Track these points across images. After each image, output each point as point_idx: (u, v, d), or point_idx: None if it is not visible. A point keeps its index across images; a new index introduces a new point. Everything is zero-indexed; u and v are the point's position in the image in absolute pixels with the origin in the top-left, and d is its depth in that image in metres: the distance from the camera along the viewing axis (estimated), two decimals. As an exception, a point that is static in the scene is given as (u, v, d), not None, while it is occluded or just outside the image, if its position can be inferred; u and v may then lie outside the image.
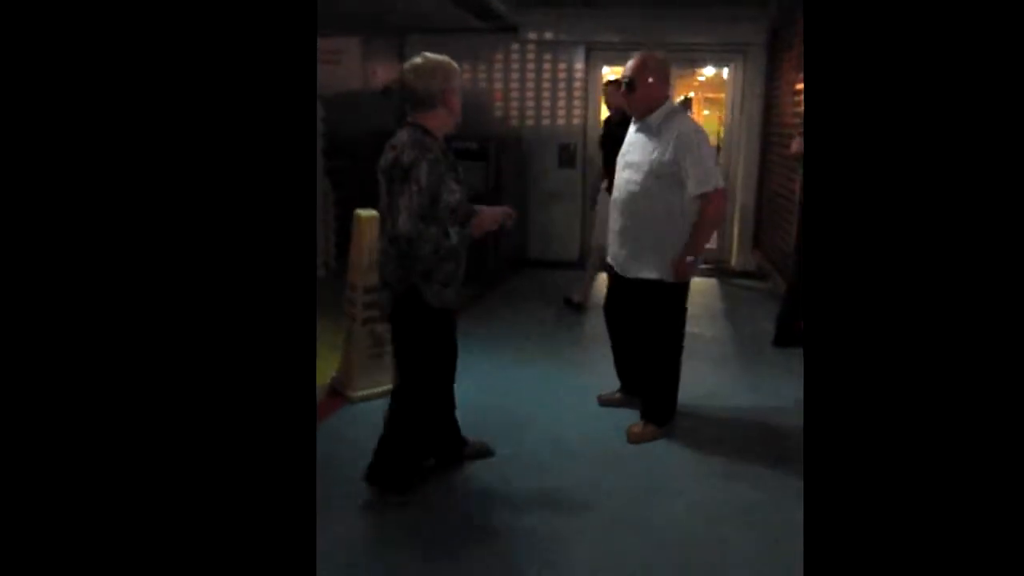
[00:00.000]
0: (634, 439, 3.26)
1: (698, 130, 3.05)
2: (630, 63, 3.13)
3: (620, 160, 3.24)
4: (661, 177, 3.02)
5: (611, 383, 3.69)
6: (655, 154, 3.02)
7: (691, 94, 14.52)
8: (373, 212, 3.63)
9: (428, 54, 2.50)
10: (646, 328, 3.27)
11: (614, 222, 3.25)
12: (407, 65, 2.49)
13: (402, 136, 2.44)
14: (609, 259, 3.35)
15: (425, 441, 2.79)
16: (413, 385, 2.64)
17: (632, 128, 3.22)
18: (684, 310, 3.28)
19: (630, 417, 3.42)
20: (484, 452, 3.03)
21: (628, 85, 3.10)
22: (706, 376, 4.11)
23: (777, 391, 3.91)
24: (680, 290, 3.18)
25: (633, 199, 3.12)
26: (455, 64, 2.53)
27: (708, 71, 10.22)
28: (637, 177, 3.08)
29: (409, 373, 2.64)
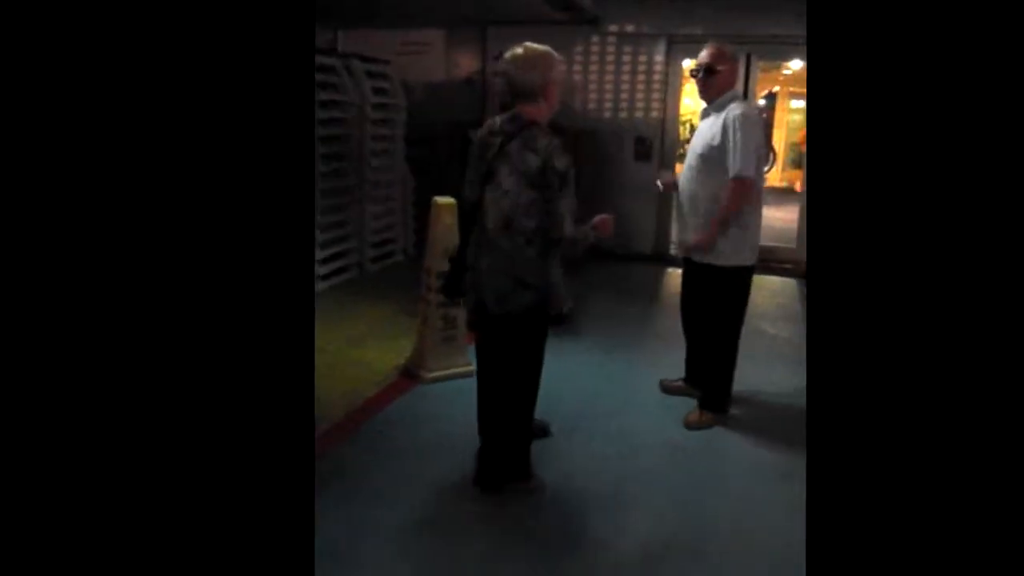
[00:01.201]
0: (690, 425, 3.37)
1: (747, 116, 3.08)
2: (705, 52, 3.23)
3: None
4: (709, 160, 3.13)
5: (677, 376, 3.73)
6: (708, 137, 3.15)
7: (776, 88, 14.13)
8: (450, 199, 3.74)
9: (530, 44, 2.47)
10: (710, 310, 3.37)
11: (680, 206, 3.39)
12: (508, 55, 2.48)
13: (541, 141, 2.40)
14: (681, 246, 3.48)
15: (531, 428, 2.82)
16: (531, 380, 2.67)
17: (701, 117, 3.34)
18: (742, 299, 3.33)
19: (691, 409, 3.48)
20: (543, 431, 3.10)
21: (707, 71, 3.19)
22: (778, 375, 4.08)
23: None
24: (735, 276, 3.25)
25: (690, 183, 3.26)
26: (555, 54, 2.49)
27: (795, 65, 9.95)
28: (693, 161, 3.23)
29: (529, 368, 2.65)
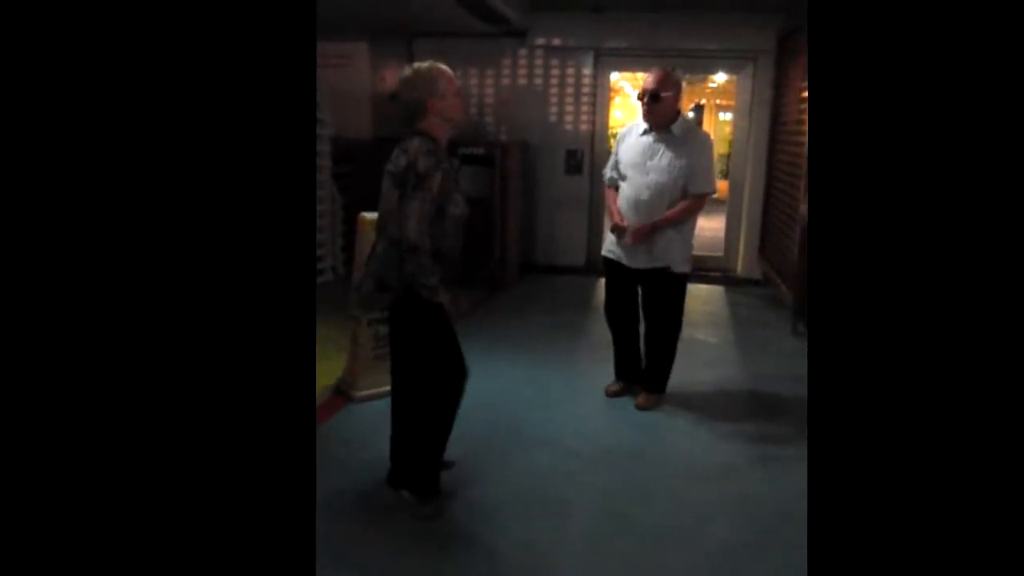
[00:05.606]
0: (642, 407, 3.69)
1: (711, 141, 3.60)
2: (652, 76, 3.40)
3: (638, 164, 3.49)
4: (679, 180, 3.42)
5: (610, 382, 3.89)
6: (681, 159, 3.40)
7: (702, 101, 14.50)
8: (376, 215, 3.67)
9: (417, 64, 2.53)
10: (660, 309, 3.62)
11: (637, 222, 3.48)
12: (400, 78, 2.54)
13: (415, 143, 2.45)
14: (624, 257, 3.58)
15: (445, 442, 2.76)
16: (425, 385, 2.64)
17: (648, 137, 3.49)
18: (684, 298, 3.71)
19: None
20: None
21: (653, 97, 3.36)
22: (707, 380, 4.15)
23: (777, 398, 3.93)
24: (684, 281, 3.63)
25: (660, 199, 3.44)
26: (442, 68, 2.53)
27: (719, 78, 10.22)
28: (664, 179, 3.42)
29: (418, 373, 2.65)
